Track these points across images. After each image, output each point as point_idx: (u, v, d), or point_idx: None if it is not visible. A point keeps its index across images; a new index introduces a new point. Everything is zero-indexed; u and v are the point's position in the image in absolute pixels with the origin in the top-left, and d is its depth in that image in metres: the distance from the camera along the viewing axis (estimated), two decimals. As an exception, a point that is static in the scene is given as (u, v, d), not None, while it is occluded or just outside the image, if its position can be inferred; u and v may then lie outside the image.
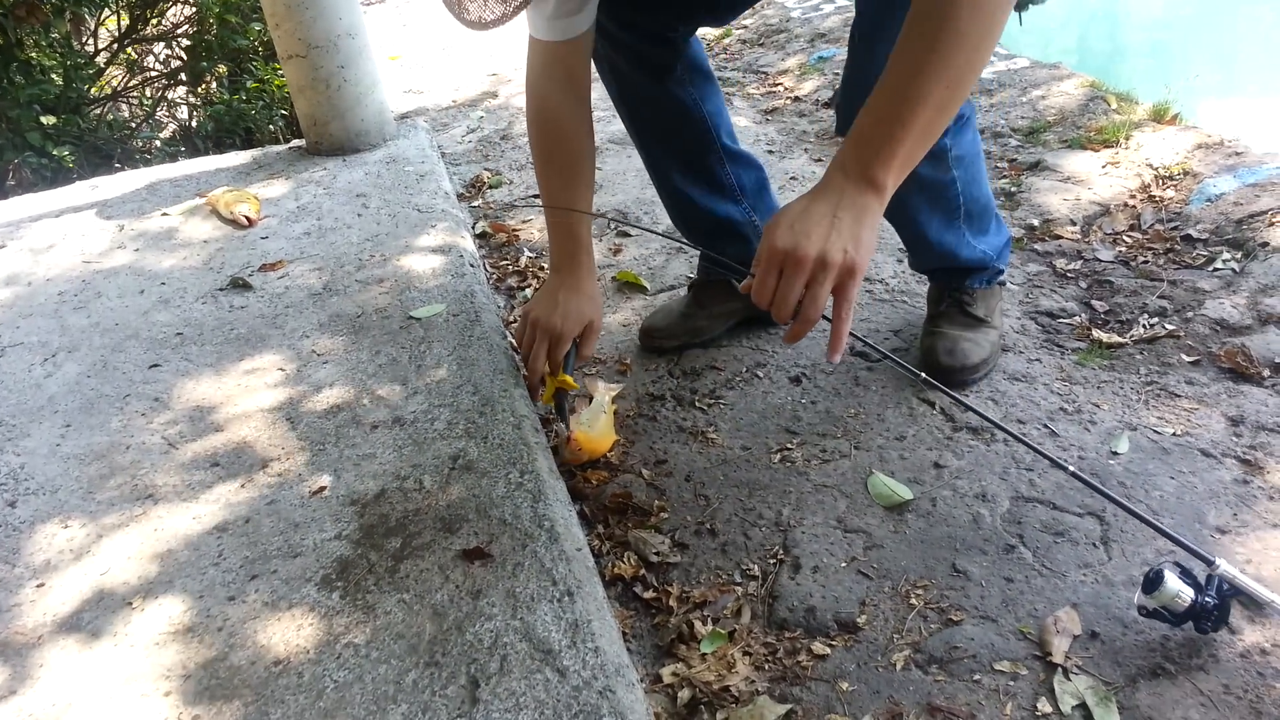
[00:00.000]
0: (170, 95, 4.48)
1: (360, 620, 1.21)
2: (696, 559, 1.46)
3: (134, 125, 4.28)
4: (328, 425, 1.61)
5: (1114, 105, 2.76)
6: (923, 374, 1.29)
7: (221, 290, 2.12)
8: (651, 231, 2.45)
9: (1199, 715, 1.13)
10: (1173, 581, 1.17)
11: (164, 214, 2.56)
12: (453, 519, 1.36)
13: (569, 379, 1.63)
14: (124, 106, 4.52)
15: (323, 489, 1.44)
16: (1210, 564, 1.16)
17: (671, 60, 1.69)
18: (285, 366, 1.80)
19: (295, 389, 1.72)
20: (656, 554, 1.47)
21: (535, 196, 2.82)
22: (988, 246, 1.74)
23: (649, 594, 1.41)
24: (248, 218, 2.45)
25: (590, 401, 1.74)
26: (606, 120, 3.29)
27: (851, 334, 1.16)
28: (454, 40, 4.86)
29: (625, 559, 1.46)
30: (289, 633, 1.20)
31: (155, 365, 1.85)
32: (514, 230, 2.59)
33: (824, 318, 1.14)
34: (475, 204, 2.83)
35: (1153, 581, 1.19)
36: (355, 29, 2.79)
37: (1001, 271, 1.81)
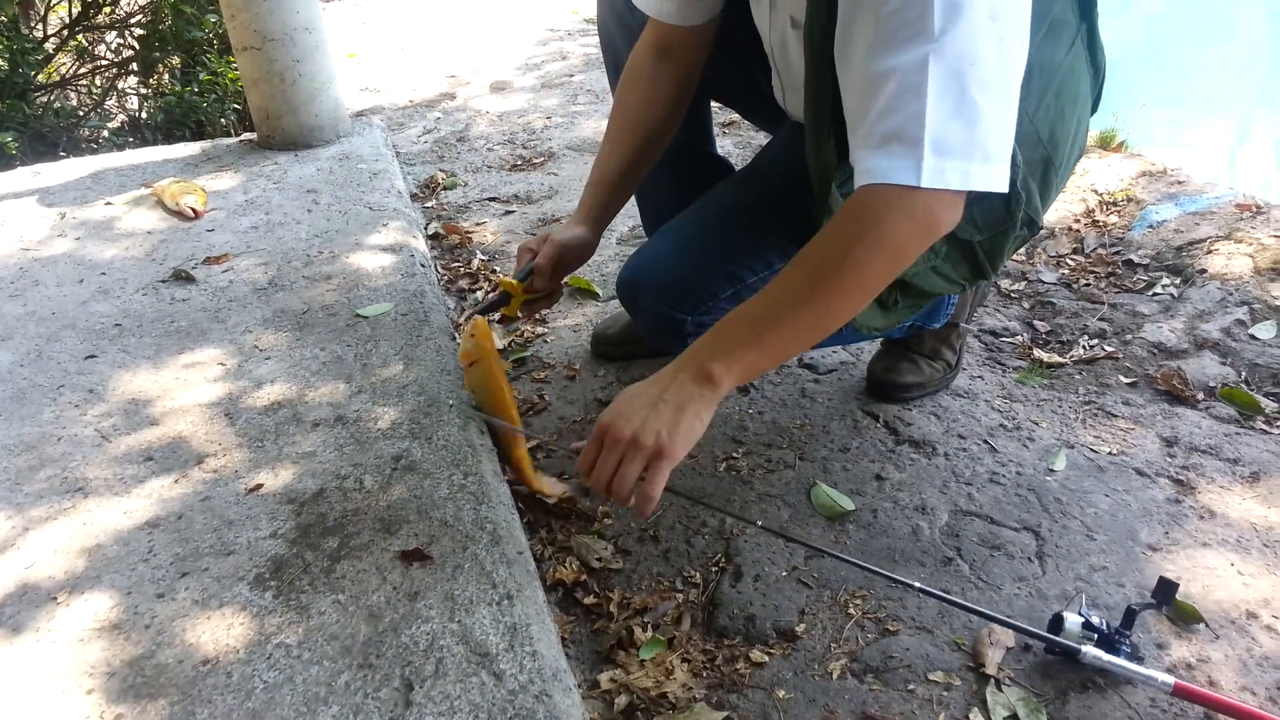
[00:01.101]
0: (120, 85, 4.39)
1: (293, 620, 1.19)
2: (639, 565, 1.46)
3: (82, 114, 4.18)
4: (267, 422, 1.58)
5: (1062, 131, 2.81)
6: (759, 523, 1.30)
7: (163, 282, 2.07)
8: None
9: (1126, 728, 1.15)
10: (1073, 624, 1.21)
11: (107, 203, 2.50)
12: (393, 520, 1.34)
13: (511, 281, 1.54)
14: (72, 95, 4.42)
15: (259, 486, 1.42)
16: (1076, 654, 1.18)
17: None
18: (226, 361, 1.76)
19: (235, 384, 1.69)
20: (599, 560, 1.47)
21: (491, 199, 2.80)
22: (914, 319, 1.66)
23: (590, 600, 1.40)
24: (194, 209, 2.40)
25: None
26: (565, 125, 3.29)
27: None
28: (413, 40, 4.82)
29: (567, 564, 1.46)
30: (219, 632, 1.18)
31: (91, 356, 1.81)
32: (467, 232, 2.58)
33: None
34: (429, 204, 2.81)
35: (1055, 623, 1.23)
36: (312, 23, 2.76)
37: (945, 320, 1.73)
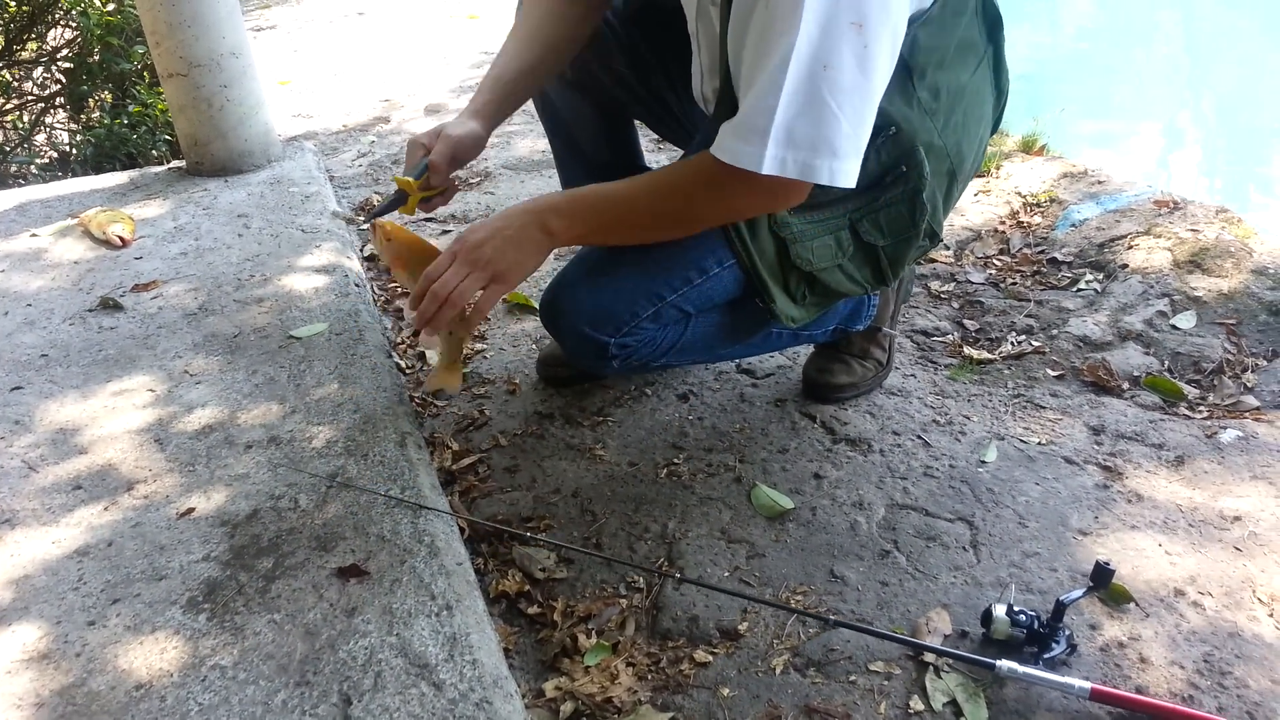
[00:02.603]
0: (48, 120, 4.30)
1: (228, 642, 1.17)
2: (582, 574, 1.46)
3: (7, 150, 4.09)
4: (199, 446, 1.56)
5: (986, 136, 2.88)
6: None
7: (91, 311, 2.04)
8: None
9: (1062, 707, 1.18)
10: (1001, 620, 1.24)
11: (33, 234, 2.45)
12: (329, 537, 1.32)
13: (407, 180, 1.51)
14: (-1, 132, 4.32)
15: (191, 510, 1.40)
16: (991, 668, 1.20)
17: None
18: (155, 387, 1.73)
19: (165, 410, 1.66)
20: (542, 570, 1.46)
21: (427, 219, 2.79)
22: (837, 323, 1.72)
23: (534, 610, 1.40)
24: (121, 238, 2.36)
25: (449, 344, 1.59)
26: (500, 145, 3.29)
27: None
28: (346, 66, 4.80)
29: (510, 576, 1.45)
30: (152, 657, 1.15)
31: (17, 388, 1.76)
32: (403, 253, 2.56)
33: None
34: (364, 227, 2.79)
35: (985, 617, 1.26)
36: (239, 48, 2.73)
37: (869, 323, 1.77)
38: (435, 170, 1.47)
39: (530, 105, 1.75)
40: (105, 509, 1.42)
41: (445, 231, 2.69)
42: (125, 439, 1.58)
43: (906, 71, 1.32)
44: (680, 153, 1.71)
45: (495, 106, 1.54)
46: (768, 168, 1.15)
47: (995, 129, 1.56)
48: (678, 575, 1.39)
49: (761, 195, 1.25)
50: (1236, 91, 5.10)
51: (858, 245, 1.44)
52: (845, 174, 1.17)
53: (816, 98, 1.12)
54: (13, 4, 3.84)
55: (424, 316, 1.31)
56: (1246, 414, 1.71)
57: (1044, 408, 1.76)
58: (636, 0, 1.63)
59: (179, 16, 2.58)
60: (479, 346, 2.10)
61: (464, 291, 1.30)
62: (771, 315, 1.47)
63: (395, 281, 1.51)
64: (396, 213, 1.51)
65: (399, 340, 2.15)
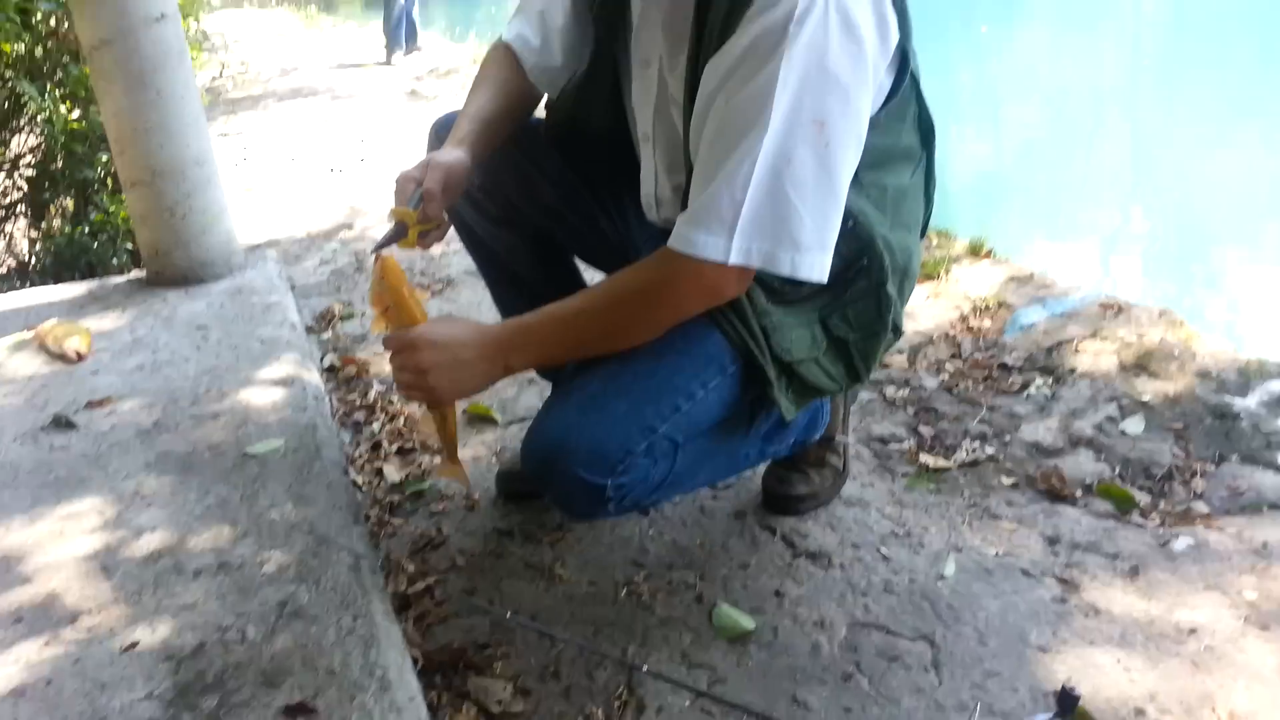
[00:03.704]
0: (8, 229, 4.29)
1: (169, 789, 1.12)
2: (540, 705, 1.43)
3: (-35, 258, 4.07)
4: (146, 574, 1.52)
5: (934, 241, 2.96)
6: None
7: (43, 429, 2.00)
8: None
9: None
10: None
11: (-16, 349, 2.42)
12: (276, 672, 1.29)
13: (405, 210, 1.45)
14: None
15: (135, 644, 1.36)
16: None
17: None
18: (105, 510, 1.70)
19: (114, 534, 1.63)
20: (498, 703, 1.43)
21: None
22: (796, 435, 1.70)
23: (489, 743, 1.37)
24: (78, 352, 2.34)
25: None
26: (463, 252, 3.32)
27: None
28: (311, 173, 4.86)
29: (464, 710, 1.41)
30: (87, 808, 1.11)
31: (-40, 513, 1.72)
32: (364, 363, 2.57)
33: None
34: (325, 336, 2.79)
35: None
36: (203, 157, 2.76)
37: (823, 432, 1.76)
38: (430, 198, 1.43)
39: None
40: (46, 644, 1.37)
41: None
42: (71, 566, 1.54)
43: (857, 171, 1.35)
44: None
45: (477, 137, 1.54)
46: (734, 258, 1.20)
47: (924, 234, 1.61)
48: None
49: (720, 285, 1.28)
50: (1176, 195, 5.30)
51: (830, 340, 1.45)
52: (808, 266, 1.22)
53: (779, 191, 1.18)
54: (-23, 110, 3.86)
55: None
56: (1197, 520, 1.73)
57: (1000, 517, 1.78)
58: (556, 127, 1.65)
59: (144, 123, 2.61)
60: (437, 461, 2.09)
61: (405, 385, 1.35)
62: (768, 405, 1.45)
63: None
64: (396, 247, 1.45)
65: (356, 456, 2.14)
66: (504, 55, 1.63)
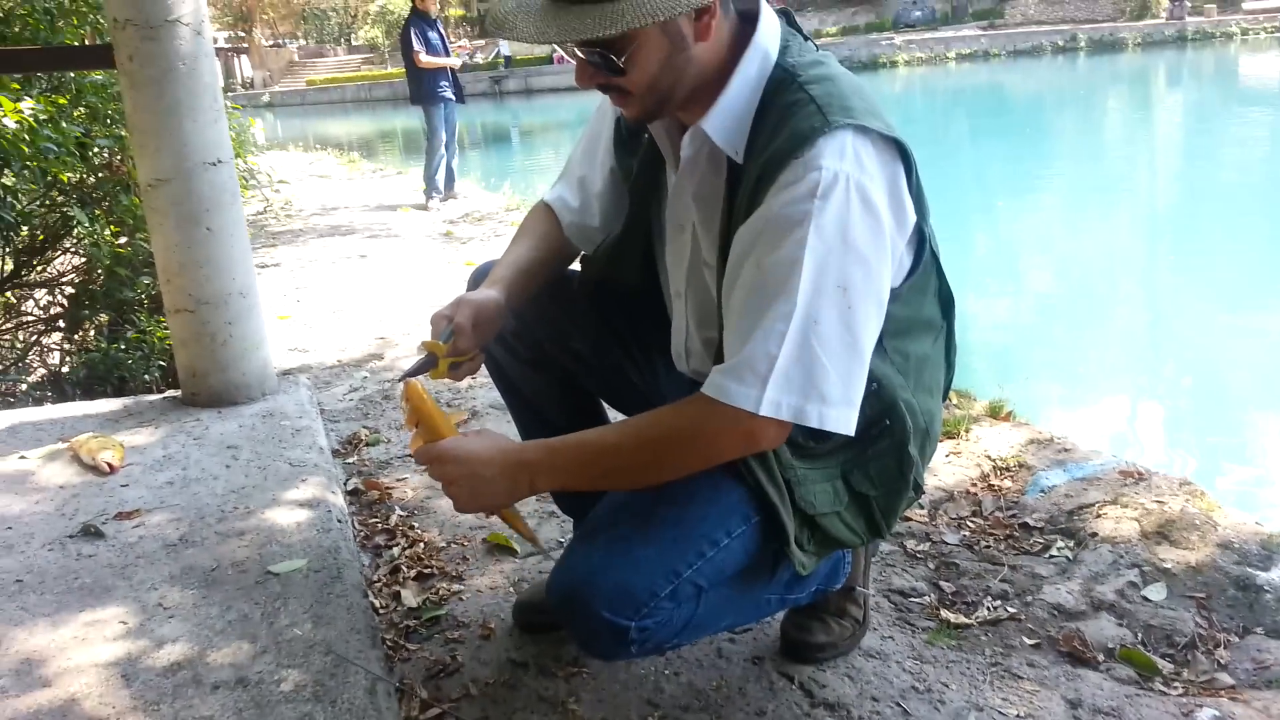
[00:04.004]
0: (45, 340, 4.41)
1: None
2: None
3: (2, 368, 4.17)
4: (165, 684, 1.52)
5: (955, 401, 3.01)
6: None
7: (71, 537, 2.03)
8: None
9: None
10: None
11: (22, 457, 2.48)
12: (291, 790, 1.28)
13: (435, 342, 1.52)
14: (-8, 349, 4.42)
15: (151, 755, 1.35)
16: None
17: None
18: (128, 620, 1.71)
19: (136, 644, 1.63)
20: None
21: (413, 455, 2.84)
22: (817, 584, 1.70)
23: None
24: (110, 464, 2.39)
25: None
26: (489, 385, 3.40)
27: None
28: (345, 304, 5.01)
29: (474, 840, 1.39)
30: None
31: (-16, 614, 1.74)
32: (387, 488, 2.60)
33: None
34: (350, 460, 2.83)
35: None
36: (247, 288, 2.87)
37: (844, 582, 1.77)
38: (460, 332, 1.51)
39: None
40: (59, 751, 1.37)
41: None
42: (92, 672, 1.55)
43: (881, 338, 1.43)
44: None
45: (512, 282, 1.63)
46: (764, 409, 1.25)
47: (945, 397, 1.67)
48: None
49: (752, 435, 1.31)
50: (1195, 364, 5.38)
51: (851, 495, 1.49)
52: (834, 419, 1.28)
53: (807, 349, 1.25)
54: (25, 230, 4.03)
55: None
56: (1222, 692, 1.71)
57: (1021, 678, 1.76)
58: (590, 281, 1.74)
59: (194, 258, 2.73)
60: (454, 588, 2.09)
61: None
62: (788, 557, 1.46)
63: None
64: (426, 376, 1.52)
65: (375, 579, 2.15)
66: (544, 213, 1.76)
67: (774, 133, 1.32)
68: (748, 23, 1.39)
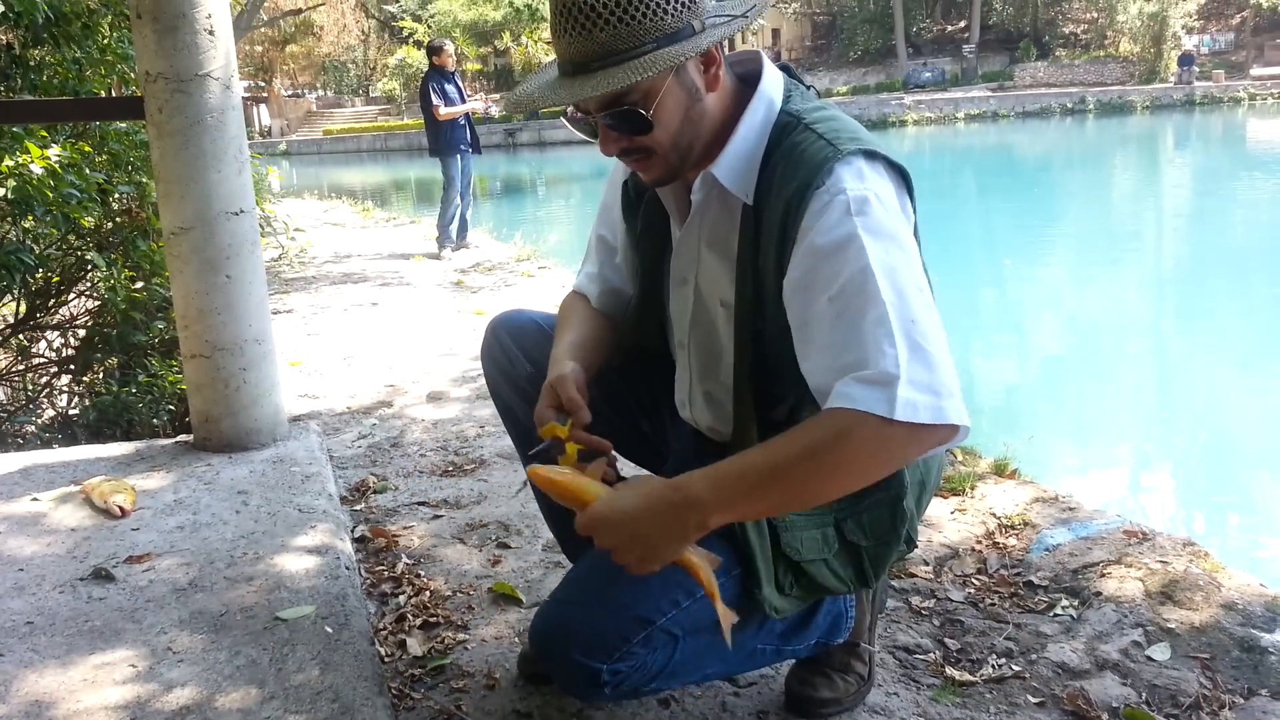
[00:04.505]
0: (56, 383, 4.46)
1: None
2: None
3: (11, 410, 4.22)
4: (173, 729, 1.53)
5: (960, 458, 3.03)
6: None
7: (82, 580, 2.05)
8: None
9: None
10: None
11: (34, 499, 2.50)
12: (296, 836, 1.29)
13: (555, 425, 1.46)
14: (1, 390, 4.45)
15: (158, 798, 1.36)
16: None
17: None
18: (137, 663, 1.73)
19: (144, 687, 1.65)
20: None
21: (421, 503, 2.86)
22: (818, 637, 1.71)
23: None
24: (121, 508, 2.41)
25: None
26: (497, 434, 3.42)
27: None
28: (356, 351, 5.06)
29: None
30: None
31: (-5, 655, 1.75)
32: (394, 535, 2.61)
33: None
34: (358, 507, 2.85)
35: None
36: (263, 335, 2.92)
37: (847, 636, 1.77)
38: (575, 406, 1.47)
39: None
40: (66, 793, 1.38)
41: (436, 516, 2.75)
42: (101, 715, 1.56)
43: None
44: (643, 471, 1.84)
45: (576, 353, 1.62)
46: (900, 413, 1.21)
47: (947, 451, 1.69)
48: None
49: (891, 441, 1.24)
50: (1200, 427, 5.39)
51: (842, 544, 1.52)
52: (954, 411, 1.24)
53: (919, 346, 1.24)
54: (41, 273, 4.09)
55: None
56: (1228, 754, 1.70)
57: (1026, 736, 1.76)
58: (624, 352, 1.78)
59: (212, 304, 2.78)
60: (460, 638, 2.10)
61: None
62: (755, 602, 1.49)
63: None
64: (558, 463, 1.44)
65: (381, 626, 2.16)
66: (573, 298, 1.80)
67: (787, 170, 1.38)
68: (746, 84, 1.46)
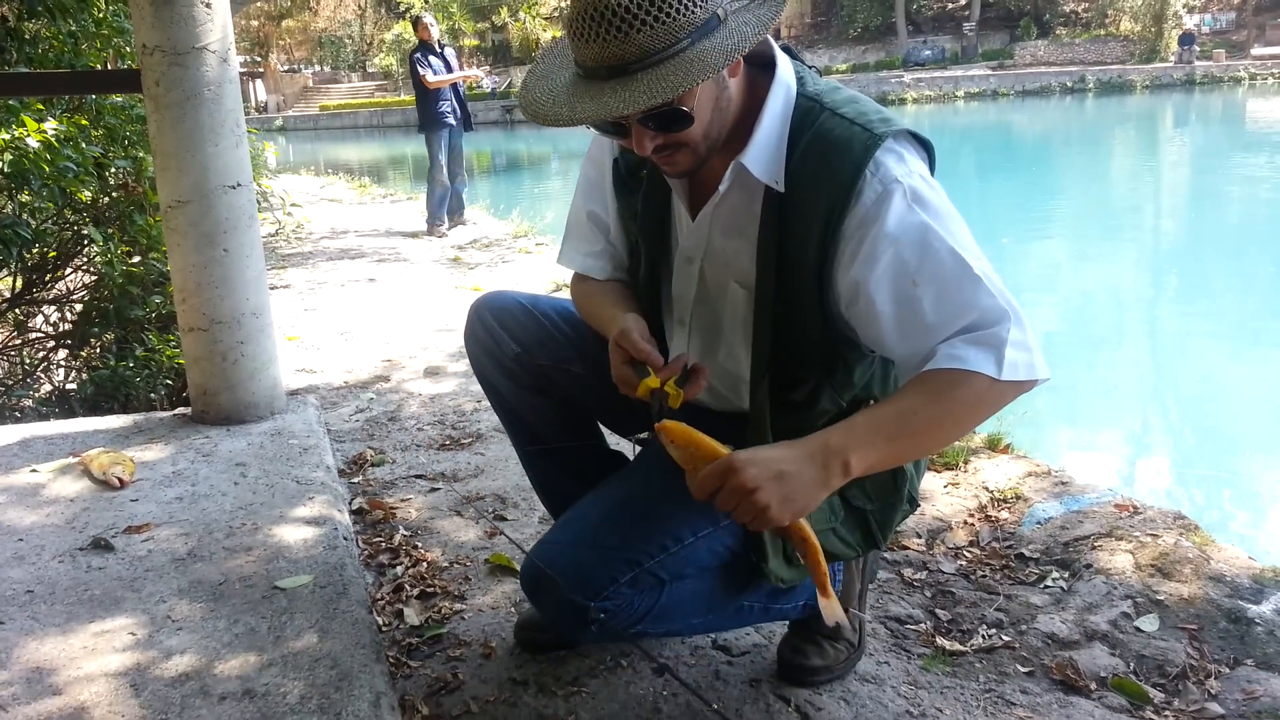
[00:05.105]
0: (53, 357, 4.46)
1: None
2: None
3: (8, 384, 4.22)
4: (173, 694, 1.55)
5: (955, 432, 3.05)
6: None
7: (81, 550, 2.07)
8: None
9: None
10: None
11: (33, 470, 2.51)
12: (295, 797, 1.31)
13: (646, 381, 1.44)
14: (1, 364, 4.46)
15: (159, 760, 1.38)
16: None
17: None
18: (137, 631, 1.74)
19: (144, 654, 1.66)
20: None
21: (418, 476, 2.88)
22: (806, 598, 1.75)
23: None
24: (120, 479, 2.43)
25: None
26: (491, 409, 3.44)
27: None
28: (353, 326, 5.06)
29: None
30: None
31: (-3, 623, 1.77)
32: (391, 508, 2.63)
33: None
34: (355, 480, 2.87)
35: None
36: (260, 309, 2.92)
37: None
38: (646, 355, 1.45)
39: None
40: (68, 755, 1.40)
41: (434, 489, 2.77)
42: (102, 682, 1.58)
43: (885, 368, 1.57)
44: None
45: (629, 304, 1.64)
46: (1005, 374, 1.29)
47: None
48: None
49: (1002, 397, 1.34)
50: (1192, 402, 5.42)
51: (848, 510, 1.56)
52: (1045, 366, 1.34)
53: (1014, 309, 1.33)
54: (37, 248, 4.09)
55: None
56: (1213, 722, 1.73)
57: (1014, 704, 1.78)
58: None
59: (210, 278, 2.79)
60: (456, 608, 2.12)
61: (736, 518, 1.28)
62: (762, 575, 1.55)
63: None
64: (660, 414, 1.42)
65: (379, 596, 2.18)
66: (580, 279, 1.78)
67: (821, 157, 1.39)
68: (758, 67, 1.46)
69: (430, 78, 8.15)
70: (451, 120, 8.40)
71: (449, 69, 8.39)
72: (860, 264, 1.38)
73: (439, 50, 8.42)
